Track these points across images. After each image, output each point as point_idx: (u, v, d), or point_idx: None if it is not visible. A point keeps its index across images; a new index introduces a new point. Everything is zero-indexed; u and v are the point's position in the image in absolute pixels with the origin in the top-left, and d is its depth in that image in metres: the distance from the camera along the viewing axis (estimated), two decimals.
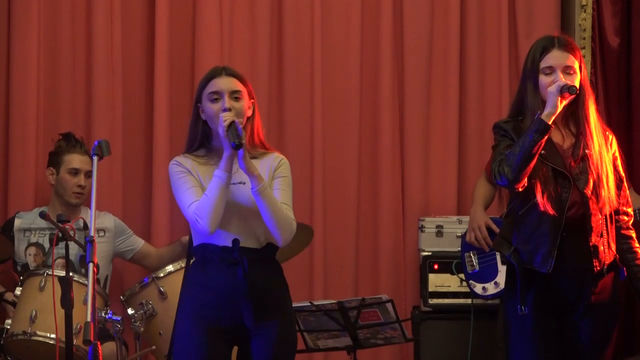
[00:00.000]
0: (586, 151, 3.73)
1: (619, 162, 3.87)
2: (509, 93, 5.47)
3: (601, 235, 3.75)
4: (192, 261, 3.72)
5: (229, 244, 3.56)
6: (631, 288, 3.89)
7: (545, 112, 3.64)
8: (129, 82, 5.30)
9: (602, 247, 3.74)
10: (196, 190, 3.57)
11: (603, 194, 3.72)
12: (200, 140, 3.66)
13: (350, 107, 5.44)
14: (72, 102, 5.25)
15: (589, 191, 3.71)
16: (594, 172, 3.72)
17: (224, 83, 3.61)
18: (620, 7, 5.43)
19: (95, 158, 3.58)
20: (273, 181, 3.63)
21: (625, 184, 3.90)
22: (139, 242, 4.98)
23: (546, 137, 3.63)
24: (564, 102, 3.67)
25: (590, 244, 3.72)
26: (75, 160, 4.84)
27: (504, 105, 5.45)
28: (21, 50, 5.14)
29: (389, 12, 5.45)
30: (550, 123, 3.62)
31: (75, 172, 4.83)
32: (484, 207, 4.79)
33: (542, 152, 3.68)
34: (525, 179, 3.69)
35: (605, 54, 5.42)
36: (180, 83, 5.32)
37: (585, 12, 5.42)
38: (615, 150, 3.86)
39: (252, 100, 3.66)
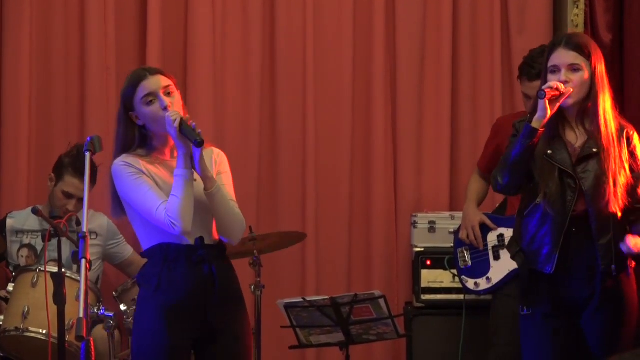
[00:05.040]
0: (594, 149, 3.69)
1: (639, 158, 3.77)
2: (501, 88, 5.48)
3: (608, 234, 3.69)
4: (145, 263, 3.62)
5: (190, 242, 3.51)
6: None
7: (535, 116, 3.63)
8: (122, 78, 5.27)
9: (608, 246, 3.69)
10: (157, 192, 3.47)
11: (608, 191, 3.65)
12: (138, 143, 3.57)
13: (342, 103, 5.44)
14: (66, 99, 5.24)
15: (593, 189, 3.67)
16: (600, 169, 3.67)
17: (153, 82, 3.53)
18: (613, 4, 5.44)
19: (87, 154, 3.52)
20: (217, 177, 3.56)
21: None
22: (127, 252, 4.93)
23: (536, 140, 3.62)
24: (556, 105, 3.64)
25: (597, 242, 3.68)
26: (73, 185, 4.70)
27: (496, 101, 5.46)
28: (13, 47, 5.13)
29: (381, 8, 5.45)
30: (540, 127, 3.60)
31: (68, 195, 4.71)
32: (477, 203, 4.80)
33: (549, 151, 3.68)
34: (520, 184, 3.71)
35: None
36: None
37: (577, 8, 5.42)
38: (636, 146, 3.76)
39: (179, 91, 3.60)
